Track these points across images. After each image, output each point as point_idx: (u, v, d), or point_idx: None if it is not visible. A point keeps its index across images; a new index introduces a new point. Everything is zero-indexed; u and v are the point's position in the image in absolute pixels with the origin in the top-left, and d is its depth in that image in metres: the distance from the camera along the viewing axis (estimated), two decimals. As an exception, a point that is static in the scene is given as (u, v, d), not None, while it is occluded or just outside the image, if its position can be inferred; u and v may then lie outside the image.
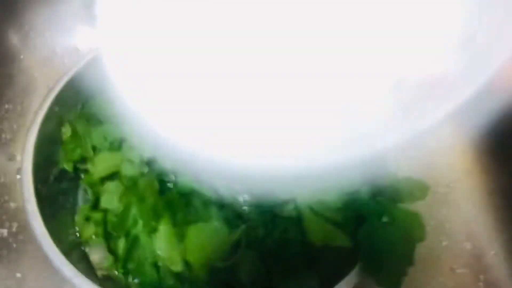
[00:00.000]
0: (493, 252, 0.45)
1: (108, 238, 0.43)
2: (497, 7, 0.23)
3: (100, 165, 0.45)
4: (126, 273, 0.42)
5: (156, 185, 0.42)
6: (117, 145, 0.46)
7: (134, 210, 0.41)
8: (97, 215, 0.43)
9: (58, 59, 0.56)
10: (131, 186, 0.42)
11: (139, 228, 0.40)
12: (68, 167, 0.46)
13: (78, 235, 0.46)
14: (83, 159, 0.46)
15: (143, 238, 0.40)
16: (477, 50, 0.22)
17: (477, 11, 0.24)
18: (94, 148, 0.46)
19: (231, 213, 0.40)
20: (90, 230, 0.45)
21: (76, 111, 0.48)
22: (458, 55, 0.23)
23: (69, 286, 0.44)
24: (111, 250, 0.43)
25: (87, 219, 0.45)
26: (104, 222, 0.43)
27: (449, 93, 0.22)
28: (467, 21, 0.24)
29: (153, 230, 0.40)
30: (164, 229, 0.39)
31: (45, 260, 0.46)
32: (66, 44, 0.57)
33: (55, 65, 0.56)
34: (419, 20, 0.26)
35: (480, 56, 0.22)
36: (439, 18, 0.25)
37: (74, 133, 0.46)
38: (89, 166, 0.46)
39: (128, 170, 0.43)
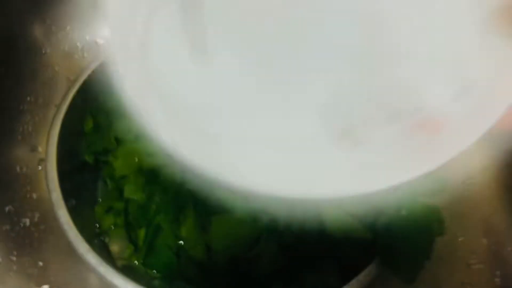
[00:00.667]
0: (510, 248, 0.45)
1: (129, 228, 0.44)
2: (494, 60, 0.24)
3: (123, 160, 0.46)
4: (146, 263, 0.43)
5: (178, 175, 0.43)
6: (141, 138, 0.46)
7: (156, 200, 0.42)
8: (119, 205, 0.44)
9: (78, 53, 0.57)
10: (154, 177, 0.43)
11: (161, 218, 0.41)
12: (89, 159, 0.47)
13: (98, 226, 0.47)
14: (105, 151, 0.47)
15: (166, 226, 0.41)
16: (476, 101, 0.23)
17: (474, 64, 0.25)
18: (117, 140, 0.47)
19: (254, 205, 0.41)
20: (109, 221, 0.46)
21: (98, 104, 0.48)
22: (457, 104, 0.24)
23: (90, 275, 0.45)
24: (132, 240, 0.44)
25: (108, 210, 0.46)
26: (126, 212, 0.43)
27: (451, 139, 0.22)
28: (464, 72, 0.25)
29: (175, 220, 0.40)
30: (187, 218, 0.40)
31: (67, 249, 0.46)
32: (86, 39, 0.58)
33: (75, 59, 0.57)
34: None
35: (479, 107, 0.23)
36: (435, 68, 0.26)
37: (96, 126, 0.46)
38: (111, 158, 0.47)
39: (149, 162, 0.44)
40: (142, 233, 0.43)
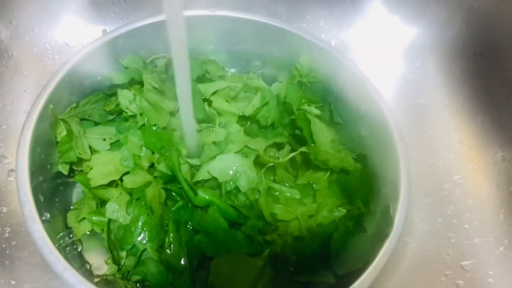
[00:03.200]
0: (502, 248, 0.44)
1: (111, 248, 0.41)
2: None
3: (98, 170, 0.43)
4: (136, 271, 0.41)
5: (163, 195, 0.41)
6: (116, 147, 0.44)
7: (141, 223, 0.40)
8: (95, 215, 0.42)
9: (48, 55, 0.54)
10: (138, 198, 0.41)
11: (146, 243, 0.40)
12: (64, 170, 0.44)
13: (70, 235, 0.44)
14: (79, 160, 0.44)
15: (151, 251, 0.39)
16: None
17: None
18: (91, 149, 0.44)
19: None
20: (84, 229, 0.43)
21: (70, 109, 0.45)
22: None
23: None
24: (115, 260, 0.41)
25: (82, 219, 0.43)
26: (108, 231, 0.41)
27: None
28: None
29: (160, 244, 0.39)
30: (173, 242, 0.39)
31: (41, 266, 0.43)
32: (56, 40, 0.55)
33: (45, 62, 0.53)
34: None
35: None
36: None
37: (69, 133, 0.43)
38: (84, 166, 0.44)
39: (132, 183, 0.42)
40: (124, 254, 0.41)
